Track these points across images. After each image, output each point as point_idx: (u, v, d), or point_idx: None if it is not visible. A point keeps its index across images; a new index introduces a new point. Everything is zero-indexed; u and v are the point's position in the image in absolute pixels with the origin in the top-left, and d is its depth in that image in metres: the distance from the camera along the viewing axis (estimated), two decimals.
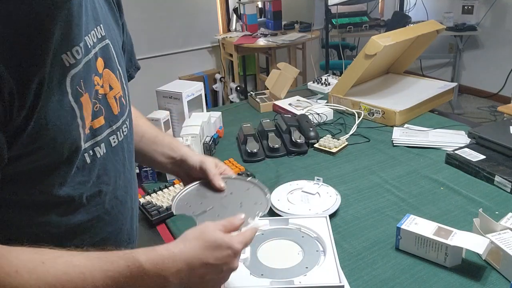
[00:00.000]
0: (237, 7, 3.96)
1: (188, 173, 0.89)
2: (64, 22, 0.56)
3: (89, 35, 0.63)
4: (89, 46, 0.63)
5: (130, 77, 0.85)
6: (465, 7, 4.00)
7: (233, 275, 0.79)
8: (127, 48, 0.84)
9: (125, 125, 0.74)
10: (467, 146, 1.29)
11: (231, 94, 3.85)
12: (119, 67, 0.73)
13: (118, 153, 0.72)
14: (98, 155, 0.66)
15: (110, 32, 0.71)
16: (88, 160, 0.64)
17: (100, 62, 0.67)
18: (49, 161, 0.58)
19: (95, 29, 0.66)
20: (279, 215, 1.04)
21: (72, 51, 0.58)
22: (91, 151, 0.65)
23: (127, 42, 0.84)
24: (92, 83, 0.64)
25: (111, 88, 0.69)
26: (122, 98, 0.73)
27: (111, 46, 0.70)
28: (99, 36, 0.67)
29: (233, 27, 4.00)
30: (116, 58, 0.72)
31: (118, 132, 0.71)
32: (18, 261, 0.53)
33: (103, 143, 0.67)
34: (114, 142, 0.70)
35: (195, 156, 0.89)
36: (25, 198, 0.59)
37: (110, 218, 0.71)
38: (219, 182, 0.83)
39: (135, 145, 0.82)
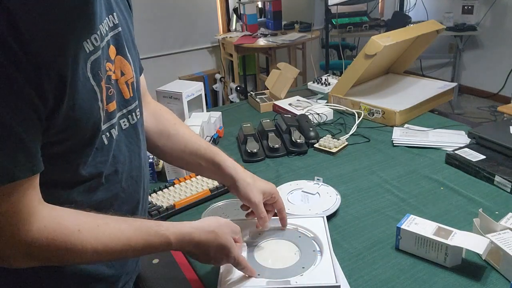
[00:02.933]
0: (237, 7, 3.95)
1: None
2: (83, 10, 0.60)
3: (102, 23, 0.67)
4: (103, 34, 0.67)
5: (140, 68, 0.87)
6: (465, 7, 4.00)
7: (229, 275, 0.80)
8: None
9: (138, 109, 0.78)
10: (467, 146, 1.29)
11: (231, 94, 3.84)
12: (130, 54, 0.76)
13: (131, 135, 0.76)
14: (114, 137, 0.71)
15: (122, 21, 0.75)
16: (106, 142, 0.69)
17: (112, 50, 0.70)
18: (74, 142, 0.63)
19: (108, 17, 0.70)
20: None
21: (91, 39, 0.63)
22: (107, 133, 0.69)
23: None
24: (105, 69, 0.68)
25: (122, 74, 0.74)
26: (135, 84, 0.77)
27: (123, 33, 0.74)
28: (111, 25, 0.71)
29: (233, 27, 4.00)
30: (127, 45, 0.75)
31: (129, 116, 0.75)
32: (79, 222, 0.63)
33: (116, 126, 0.72)
34: (125, 125, 0.75)
35: (244, 181, 0.88)
36: (55, 178, 0.64)
37: (126, 196, 0.76)
38: (264, 224, 0.89)
39: (179, 153, 0.91)
